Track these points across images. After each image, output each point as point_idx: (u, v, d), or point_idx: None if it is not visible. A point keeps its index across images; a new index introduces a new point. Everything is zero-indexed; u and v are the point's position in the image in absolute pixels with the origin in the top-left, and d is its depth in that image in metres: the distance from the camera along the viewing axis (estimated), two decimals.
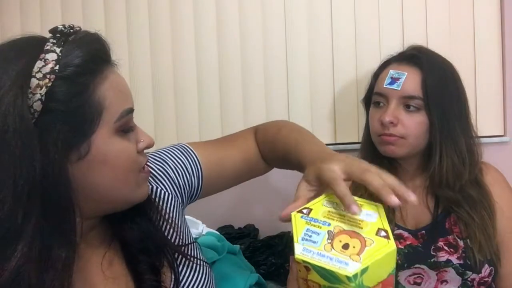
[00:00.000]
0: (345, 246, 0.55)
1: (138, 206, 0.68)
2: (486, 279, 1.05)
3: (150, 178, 0.76)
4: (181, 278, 0.72)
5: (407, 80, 1.09)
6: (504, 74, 1.63)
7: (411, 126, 1.08)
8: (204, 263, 0.77)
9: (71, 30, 0.60)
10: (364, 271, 0.52)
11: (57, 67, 0.56)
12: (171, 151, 0.82)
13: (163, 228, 0.73)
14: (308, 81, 1.64)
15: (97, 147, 0.59)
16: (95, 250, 0.67)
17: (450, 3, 1.63)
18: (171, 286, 0.70)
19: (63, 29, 0.59)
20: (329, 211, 0.61)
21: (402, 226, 1.10)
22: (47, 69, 0.56)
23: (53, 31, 0.60)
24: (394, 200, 0.56)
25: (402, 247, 1.08)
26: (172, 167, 0.80)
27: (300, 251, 0.55)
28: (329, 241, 0.56)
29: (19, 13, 1.62)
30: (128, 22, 1.62)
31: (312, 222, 0.59)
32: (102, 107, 0.59)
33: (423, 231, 1.09)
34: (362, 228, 0.57)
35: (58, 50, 0.57)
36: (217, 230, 1.52)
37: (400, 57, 1.16)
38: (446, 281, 1.05)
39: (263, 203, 1.66)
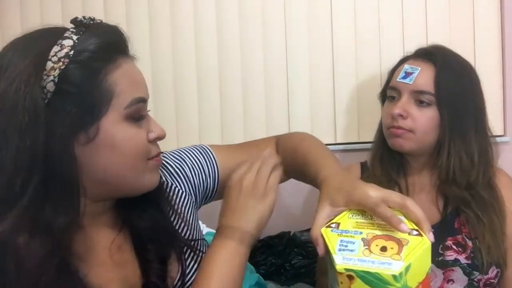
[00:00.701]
0: (383, 249, 0.55)
1: (150, 196, 0.69)
2: (492, 281, 1.05)
3: (166, 174, 0.77)
4: (187, 271, 0.73)
5: (420, 75, 1.09)
6: (504, 74, 1.64)
7: (420, 120, 1.07)
8: None
9: (91, 22, 0.62)
10: (407, 269, 0.52)
11: (71, 52, 0.58)
12: (191, 151, 0.84)
13: (174, 222, 0.75)
14: (308, 81, 1.64)
15: (106, 131, 0.60)
16: (104, 233, 0.68)
17: (450, 3, 1.64)
18: (178, 277, 0.71)
19: (83, 19, 0.62)
20: (357, 222, 0.62)
21: None
22: (62, 53, 0.58)
23: (74, 21, 0.62)
24: (431, 237, 0.59)
25: None
26: (190, 166, 0.81)
27: (341, 260, 0.55)
28: (366, 247, 0.56)
29: (19, 12, 1.60)
30: (128, 22, 1.60)
31: (344, 234, 0.60)
32: (112, 93, 0.61)
33: (432, 230, 1.08)
34: (393, 231, 0.58)
35: (75, 37, 0.60)
36: None
37: (417, 53, 1.17)
38: (452, 280, 1.04)
39: None
